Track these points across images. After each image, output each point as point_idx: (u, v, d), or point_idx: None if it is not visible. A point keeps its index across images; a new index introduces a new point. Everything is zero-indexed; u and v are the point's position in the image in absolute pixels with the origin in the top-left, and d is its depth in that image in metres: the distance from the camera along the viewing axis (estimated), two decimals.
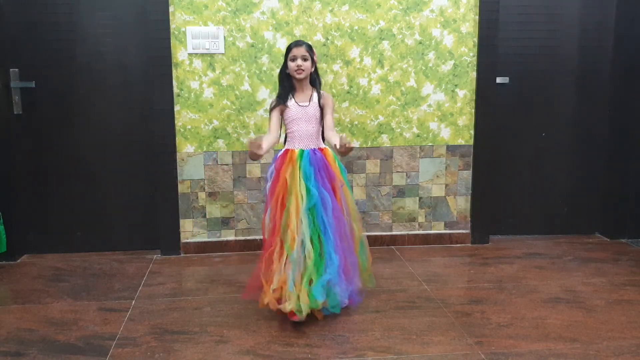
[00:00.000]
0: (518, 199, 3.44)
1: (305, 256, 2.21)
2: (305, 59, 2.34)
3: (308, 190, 2.24)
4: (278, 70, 2.49)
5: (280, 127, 2.43)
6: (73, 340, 2.15)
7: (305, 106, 2.38)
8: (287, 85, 2.40)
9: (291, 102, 2.38)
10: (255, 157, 2.25)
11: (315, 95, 2.41)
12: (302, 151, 2.34)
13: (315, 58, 2.39)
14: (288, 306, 2.16)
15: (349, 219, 2.36)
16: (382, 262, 2.98)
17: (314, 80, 2.44)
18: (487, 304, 2.47)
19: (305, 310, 2.16)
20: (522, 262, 3.01)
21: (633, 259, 3.06)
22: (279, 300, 2.20)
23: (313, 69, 2.40)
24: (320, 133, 2.43)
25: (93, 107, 3.06)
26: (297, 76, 2.35)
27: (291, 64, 2.35)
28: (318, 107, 2.39)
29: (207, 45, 2.98)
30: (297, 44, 2.36)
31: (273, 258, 2.24)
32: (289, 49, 2.37)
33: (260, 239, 3.12)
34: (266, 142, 2.30)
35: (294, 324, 2.21)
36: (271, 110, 2.42)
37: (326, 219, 2.25)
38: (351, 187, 2.47)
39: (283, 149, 2.40)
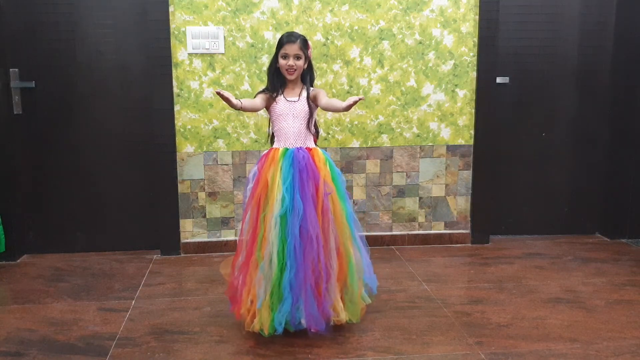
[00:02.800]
0: (518, 199, 3.44)
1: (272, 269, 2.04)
2: (298, 58, 2.13)
3: (283, 196, 2.03)
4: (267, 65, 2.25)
5: (263, 108, 2.22)
6: (73, 340, 2.15)
7: (294, 101, 2.17)
8: (276, 82, 2.19)
9: (279, 97, 2.18)
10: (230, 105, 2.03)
11: (304, 92, 2.19)
12: (285, 150, 2.12)
13: (309, 53, 2.19)
14: (257, 325, 2.06)
15: (336, 233, 2.09)
16: (382, 262, 2.98)
17: (305, 76, 2.21)
18: (487, 304, 2.47)
19: (266, 332, 2.06)
20: (522, 262, 3.01)
21: (633, 259, 3.06)
22: (251, 315, 2.09)
23: (306, 66, 2.19)
24: (311, 132, 2.20)
25: (93, 107, 3.06)
26: (289, 77, 2.16)
27: (282, 62, 2.14)
28: (307, 104, 2.17)
29: (207, 45, 2.98)
30: (290, 39, 2.13)
31: (250, 265, 2.08)
32: (281, 44, 2.14)
33: None
34: (246, 101, 2.12)
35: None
36: (257, 94, 2.22)
37: (291, 229, 2.00)
38: (346, 194, 2.19)
39: (268, 149, 2.20)
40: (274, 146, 2.18)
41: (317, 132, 2.27)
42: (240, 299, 2.11)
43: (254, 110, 2.20)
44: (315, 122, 2.24)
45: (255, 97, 2.21)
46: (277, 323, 2.04)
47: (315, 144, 2.23)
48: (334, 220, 2.09)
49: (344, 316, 2.13)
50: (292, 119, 2.16)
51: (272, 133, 2.25)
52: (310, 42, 2.21)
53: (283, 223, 2.02)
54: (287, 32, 2.20)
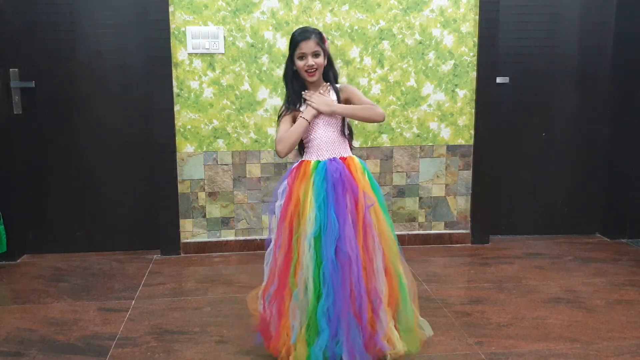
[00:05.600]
0: (518, 199, 3.44)
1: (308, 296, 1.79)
2: (316, 55, 1.88)
3: (316, 214, 1.80)
4: (282, 71, 2.02)
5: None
6: (73, 340, 2.14)
7: None
8: (296, 87, 1.95)
9: (304, 106, 1.93)
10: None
11: (332, 93, 1.95)
12: (317, 162, 1.88)
13: (326, 47, 1.93)
14: None
15: (382, 251, 1.86)
16: None
17: (327, 74, 1.96)
18: (487, 304, 2.47)
19: None
20: (522, 262, 3.01)
21: (633, 259, 3.06)
22: (287, 350, 1.83)
23: (326, 62, 1.94)
24: (346, 138, 1.97)
25: (93, 107, 3.06)
26: (310, 79, 1.91)
27: (300, 63, 1.89)
28: (341, 104, 1.95)
29: (207, 45, 2.98)
30: (305, 36, 1.87)
31: (285, 294, 1.83)
32: (294, 43, 1.89)
33: (260, 239, 3.17)
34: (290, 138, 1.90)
35: None
36: (280, 119, 1.94)
37: (326, 251, 1.76)
38: (386, 207, 1.94)
39: (298, 161, 1.95)
40: (305, 158, 1.93)
41: (351, 134, 2.03)
42: (278, 333, 1.85)
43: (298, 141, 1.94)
44: (348, 124, 2.00)
45: (278, 126, 1.94)
46: (314, 359, 1.77)
47: (351, 148, 2.01)
48: (378, 237, 1.85)
49: (400, 347, 1.87)
50: (324, 127, 1.92)
51: (303, 142, 1.99)
52: (325, 35, 1.96)
53: (317, 244, 1.78)
54: (299, 29, 1.93)
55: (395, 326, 1.89)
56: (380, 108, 1.94)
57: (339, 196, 1.81)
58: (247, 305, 2.09)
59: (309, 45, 1.87)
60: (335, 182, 1.82)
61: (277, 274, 1.86)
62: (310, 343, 1.78)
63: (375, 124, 3.13)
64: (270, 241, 1.93)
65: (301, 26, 2.06)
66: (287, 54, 1.98)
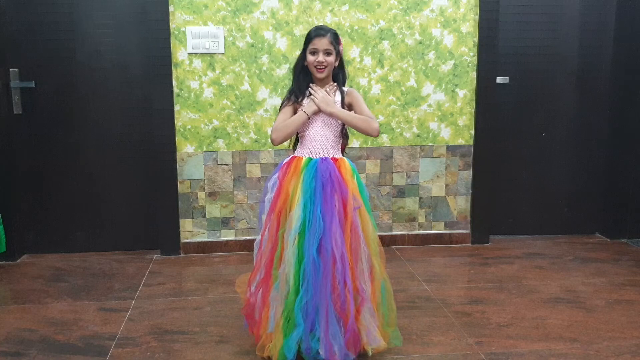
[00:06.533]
0: (518, 199, 3.44)
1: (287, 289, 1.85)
2: (328, 53, 1.92)
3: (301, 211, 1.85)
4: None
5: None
6: (73, 340, 2.15)
7: None
8: (303, 81, 1.99)
9: (307, 101, 1.97)
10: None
11: (338, 94, 1.99)
12: (309, 160, 1.93)
13: (340, 49, 1.98)
14: (271, 350, 1.89)
15: (367, 252, 1.90)
16: None
17: (337, 75, 2.01)
18: (487, 304, 2.47)
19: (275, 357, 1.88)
20: (522, 262, 3.01)
21: (633, 259, 3.06)
22: (266, 338, 1.92)
23: (337, 63, 1.99)
24: (340, 141, 2.01)
25: (93, 107, 3.06)
26: (318, 75, 1.95)
27: (311, 58, 1.93)
28: (341, 109, 1.98)
29: (207, 45, 2.98)
30: (319, 33, 1.93)
31: (270, 283, 1.91)
32: (309, 38, 1.95)
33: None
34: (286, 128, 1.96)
35: None
36: (281, 108, 2.00)
37: (307, 248, 1.81)
38: (371, 210, 2.00)
39: (290, 156, 2.01)
40: (297, 154, 1.98)
41: (347, 137, 2.07)
42: (260, 320, 1.94)
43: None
44: (345, 128, 2.04)
45: (279, 112, 2.00)
46: (286, 350, 1.84)
47: (344, 151, 2.05)
48: (364, 238, 1.90)
49: (383, 344, 1.92)
50: (322, 126, 1.96)
51: (297, 137, 2.04)
52: (341, 38, 2.01)
53: (301, 241, 1.84)
54: (316, 26, 1.99)
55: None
56: (377, 123, 1.98)
57: (327, 195, 1.85)
58: (235, 287, 2.18)
59: (322, 42, 1.92)
60: (324, 181, 1.87)
61: (264, 263, 1.93)
62: (287, 335, 1.85)
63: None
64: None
65: (318, 24, 2.13)
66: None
